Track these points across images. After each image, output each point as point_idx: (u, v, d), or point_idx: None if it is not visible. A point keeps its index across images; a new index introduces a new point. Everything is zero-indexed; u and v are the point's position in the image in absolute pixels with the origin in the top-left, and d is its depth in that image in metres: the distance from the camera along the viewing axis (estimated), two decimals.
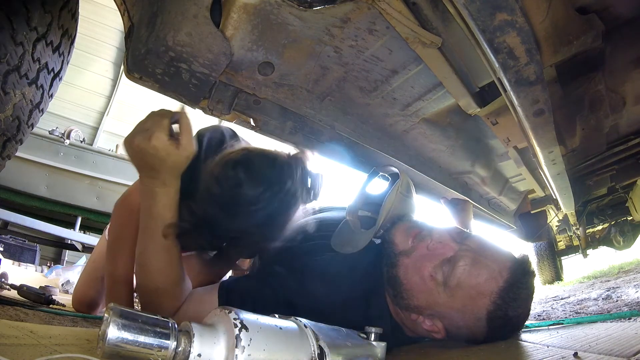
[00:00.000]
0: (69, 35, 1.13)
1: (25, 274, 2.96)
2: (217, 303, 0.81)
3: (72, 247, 4.31)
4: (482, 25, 0.63)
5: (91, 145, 5.29)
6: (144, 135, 0.73)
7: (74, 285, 1.99)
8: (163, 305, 0.80)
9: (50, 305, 1.61)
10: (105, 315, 0.44)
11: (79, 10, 1.18)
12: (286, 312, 0.60)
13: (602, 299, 1.57)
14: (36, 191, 3.82)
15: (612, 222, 3.69)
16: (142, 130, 0.74)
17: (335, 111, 1.12)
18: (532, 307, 0.87)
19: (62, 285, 2.75)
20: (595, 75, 1.14)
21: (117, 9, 0.85)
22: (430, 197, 1.72)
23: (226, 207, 0.77)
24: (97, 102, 6.51)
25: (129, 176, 3.81)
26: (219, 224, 0.78)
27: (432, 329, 0.83)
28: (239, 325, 0.49)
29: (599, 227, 3.87)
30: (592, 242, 3.97)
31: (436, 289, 0.79)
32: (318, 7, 0.80)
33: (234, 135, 1.03)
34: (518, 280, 0.79)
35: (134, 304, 1.18)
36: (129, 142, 0.74)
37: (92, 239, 4.00)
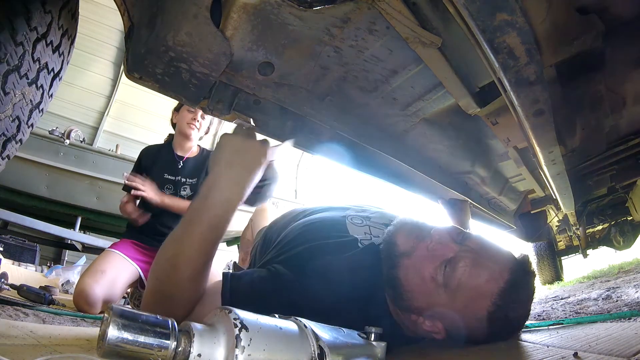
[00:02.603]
0: (69, 35, 1.13)
1: (25, 274, 2.96)
2: (219, 299, 0.79)
3: (72, 247, 4.32)
4: (482, 25, 0.63)
5: (91, 145, 5.30)
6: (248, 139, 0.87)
7: (74, 285, 1.99)
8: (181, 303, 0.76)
9: (50, 305, 1.61)
10: (105, 315, 0.44)
11: (79, 10, 1.18)
12: (287, 312, 0.60)
13: (602, 299, 1.57)
14: (36, 191, 3.83)
15: (612, 222, 3.68)
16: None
17: (335, 111, 1.12)
18: (532, 307, 0.87)
19: (62, 285, 2.76)
20: (595, 75, 1.13)
21: (117, 9, 0.85)
22: (429, 198, 1.72)
23: None
24: (97, 102, 6.51)
25: None
26: None
27: (433, 329, 0.83)
28: (239, 325, 0.49)
29: (599, 227, 3.86)
30: (592, 242, 3.96)
31: (436, 290, 0.79)
32: (318, 7, 0.80)
33: None
34: (518, 281, 0.78)
35: None
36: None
37: (92, 239, 4.01)
